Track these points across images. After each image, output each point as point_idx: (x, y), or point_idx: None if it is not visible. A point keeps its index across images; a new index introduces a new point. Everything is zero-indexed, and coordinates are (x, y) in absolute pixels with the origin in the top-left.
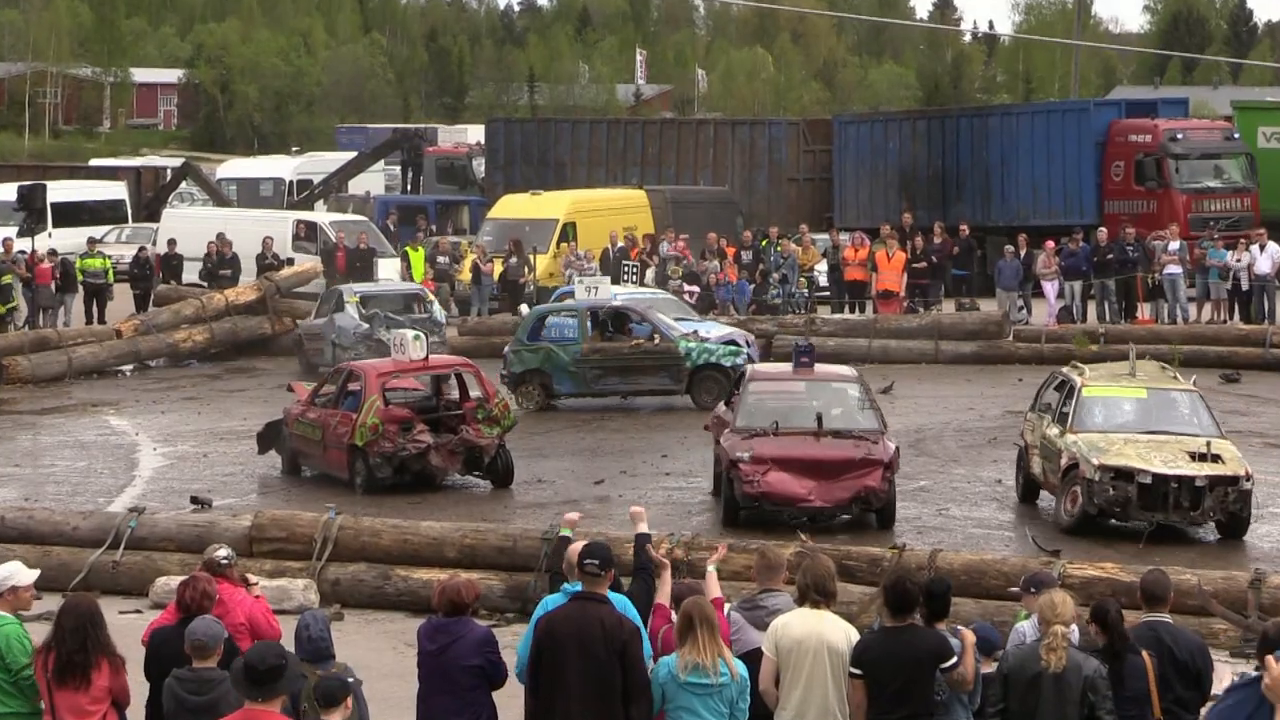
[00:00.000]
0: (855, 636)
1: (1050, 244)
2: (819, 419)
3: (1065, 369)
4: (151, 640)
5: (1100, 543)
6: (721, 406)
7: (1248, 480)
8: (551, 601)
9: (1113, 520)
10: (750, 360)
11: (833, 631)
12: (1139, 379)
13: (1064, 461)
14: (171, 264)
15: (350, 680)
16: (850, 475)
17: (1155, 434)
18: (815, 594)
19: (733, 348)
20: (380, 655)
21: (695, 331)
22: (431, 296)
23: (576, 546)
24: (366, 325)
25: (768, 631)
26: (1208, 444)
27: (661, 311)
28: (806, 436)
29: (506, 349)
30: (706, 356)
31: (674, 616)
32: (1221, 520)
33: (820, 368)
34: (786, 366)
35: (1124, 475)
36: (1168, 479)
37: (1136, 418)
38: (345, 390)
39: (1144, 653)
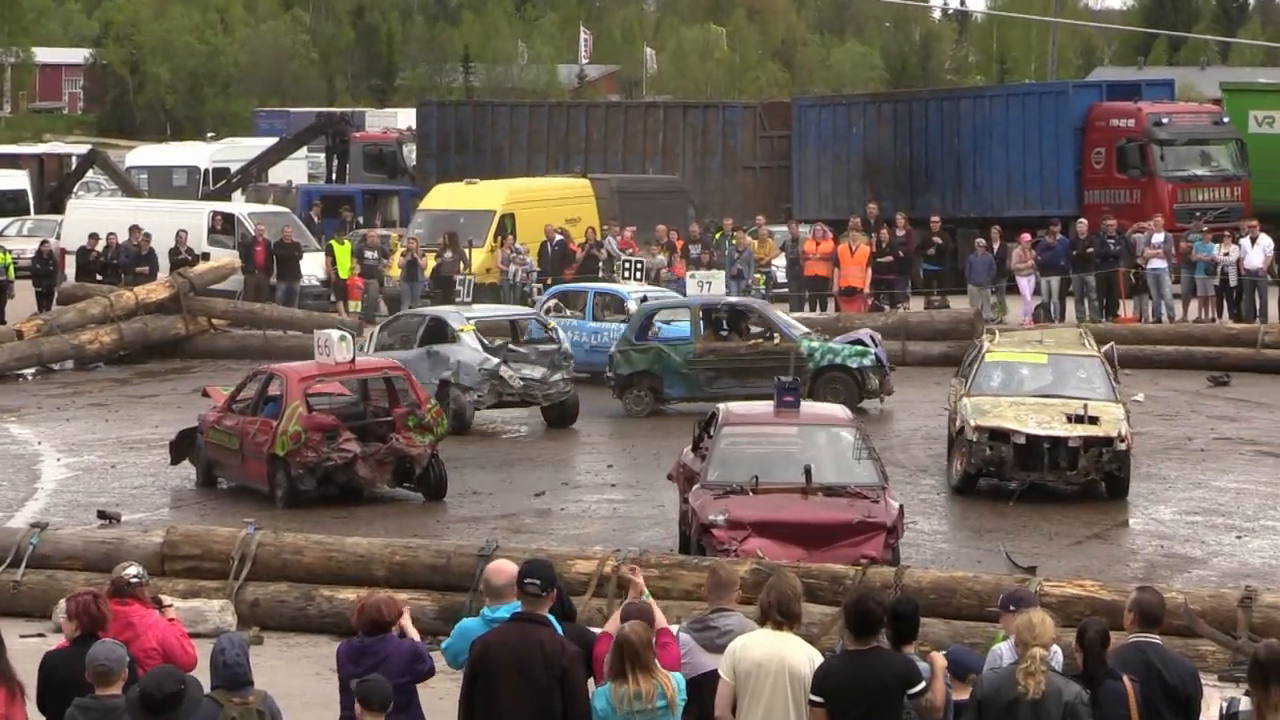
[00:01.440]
0: (818, 660)
1: (1026, 237)
2: (807, 472)
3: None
4: (43, 667)
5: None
6: (688, 452)
7: (1122, 442)
8: (470, 625)
9: (993, 479)
10: (879, 362)
11: (794, 655)
12: (1045, 345)
13: (957, 424)
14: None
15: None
16: (846, 543)
17: (1048, 398)
18: (778, 614)
19: (859, 348)
20: (303, 682)
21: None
22: (552, 323)
23: (498, 565)
24: (495, 359)
25: (725, 653)
26: (1085, 406)
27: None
28: (792, 494)
29: (613, 349)
30: (831, 357)
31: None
32: (1098, 480)
33: (807, 408)
34: (766, 406)
35: (1000, 436)
36: (1041, 439)
37: (1033, 382)
38: (265, 395)
39: (1125, 678)
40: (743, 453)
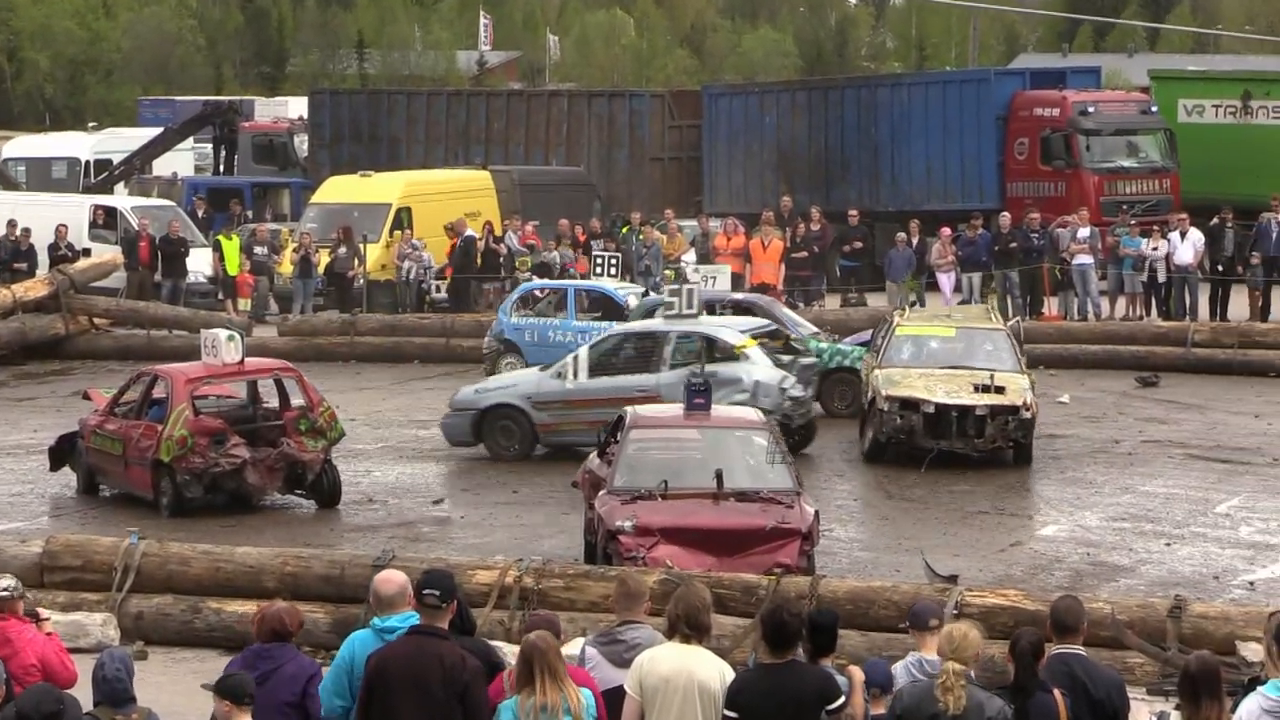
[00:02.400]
0: (730, 675)
1: (946, 231)
2: (719, 477)
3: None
4: None
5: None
6: (593, 458)
7: (1027, 410)
8: (359, 639)
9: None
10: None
11: (705, 669)
12: (953, 320)
13: (869, 395)
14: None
15: None
16: (759, 550)
17: (956, 369)
18: (686, 627)
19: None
20: (189, 698)
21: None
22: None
23: (386, 574)
24: (791, 377)
25: (631, 668)
26: (991, 376)
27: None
28: (703, 500)
29: None
30: (840, 359)
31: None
32: (1004, 447)
33: (719, 410)
34: (676, 409)
35: (909, 405)
36: (950, 408)
37: (942, 354)
38: (149, 398)
39: (1055, 690)
40: (651, 457)
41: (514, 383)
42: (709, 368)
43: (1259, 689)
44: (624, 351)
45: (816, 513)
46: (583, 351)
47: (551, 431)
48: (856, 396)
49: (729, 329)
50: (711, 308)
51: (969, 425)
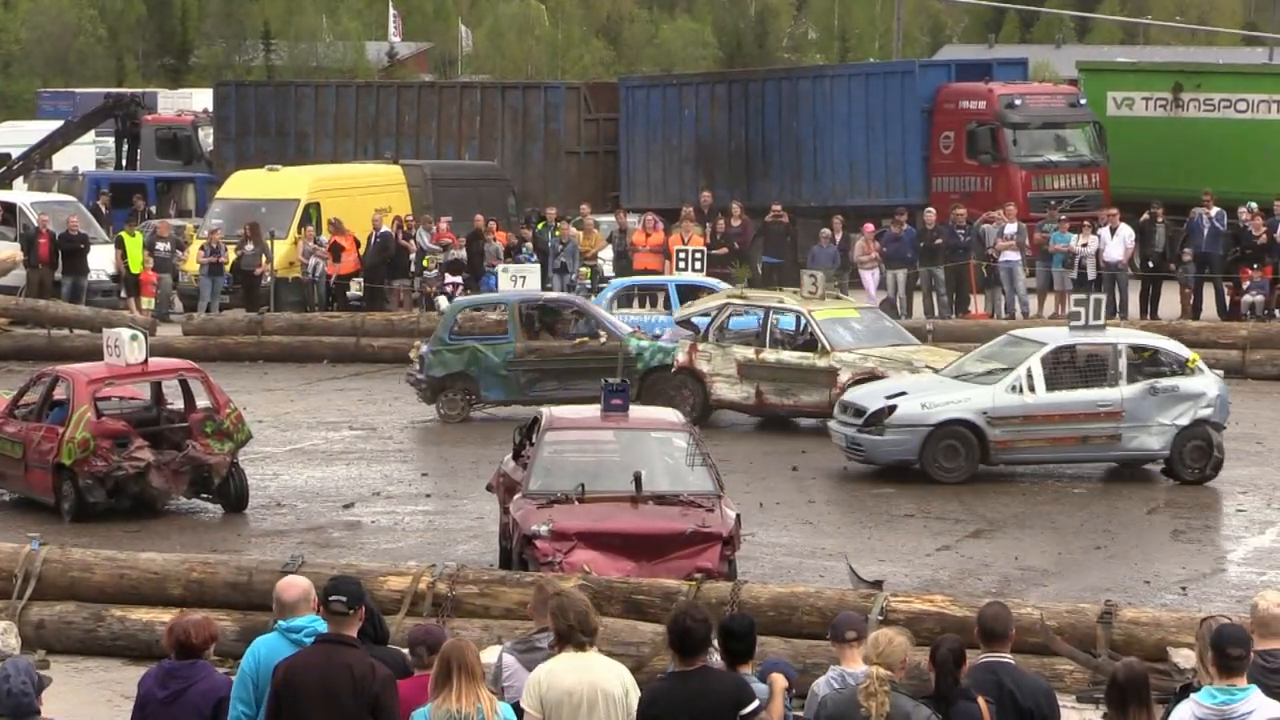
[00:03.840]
0: (630, 680)
1: (869, 227)
2: (637, 480)
3: (763, 298)
4: None
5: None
6: (508, 460)
7: None
8: (263, 644)
9: None
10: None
11: (606, 677)
12: (843, 301)
13: (844, 378)
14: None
15: None
16: (679, 554)
17: (895, 346)
18: (581, 634)
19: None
20: (93, 709)
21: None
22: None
23: (288, 580)
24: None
25: (528, 685)
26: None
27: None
28: (621, 503)
29: (424, 349)
30: (662, 357)
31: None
32: None
33: (637, 412)
34: (593, 410)
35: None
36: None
37: (869, 334)
38: (50, 400)
39: (980, 698)
40: (568, 460)
41: (965, 397)
42: (1166, 382)
43: (1192, 696)
44: (1074, 364)
45: (738, 516)
46: (1034, 363)
47: (1006, 449)
48: (689, 395)
49: (1169, 340)
50: (529, 306)
51: None
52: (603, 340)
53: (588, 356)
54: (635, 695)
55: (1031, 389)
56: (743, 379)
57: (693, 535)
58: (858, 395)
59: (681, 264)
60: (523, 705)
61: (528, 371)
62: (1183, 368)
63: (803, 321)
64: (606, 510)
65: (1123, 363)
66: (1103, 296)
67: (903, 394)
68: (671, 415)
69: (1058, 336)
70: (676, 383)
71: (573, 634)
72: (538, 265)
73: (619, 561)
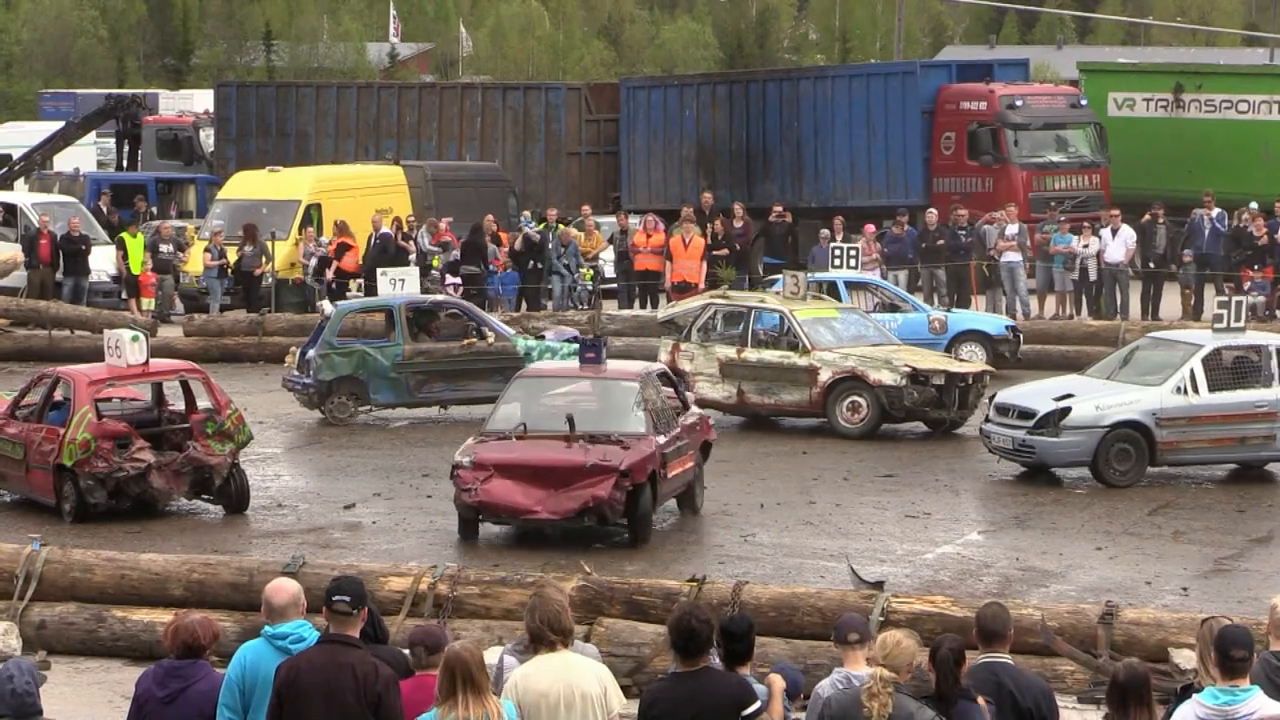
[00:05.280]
0: (609, 677)
1: (870, 228)
2: (570, 421)
3: (744, 298)
4: None
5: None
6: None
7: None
8: (250, 650)
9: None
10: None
11: (583, 677)
12: (824, 301)
13: (825, 377)
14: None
15: None
16: (579, 484)
17: (876, 345)
18: (551, 633)
19: (576, 346)
20: (94, 709)
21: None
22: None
23: (278, 583)
24: None
25: (505, 689)
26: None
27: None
28: (555, 441)
29: (312, 352)
30: (549, 356)
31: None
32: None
33: (613, 365)
34: (571, 364)
35: (919, 378)
36: (955, 377)
37: (849, 333)
38: (51, 401)
39: (980, 699)
40: (527, 405)
41: (1135, 399)
42: None
43: (1195, 696)
44: (1230, 365)
45: (657, 453)
46: (1196, 364)
47: (1172, 450)
48: None
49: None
50: (415, 309)
51: (970, 393)
52: (490, 341)
53: (475, 357)
54: (616, 694)
55: (1195, 390)
56: (724, 378)
57: (592, 468)
58: (1017, 397)
59: (837, 261)
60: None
61: (417, 374)
62: None
63: (785, 321)
64: (528, 446)
65: (1274, 364)
66: (1244, 299)
67: (1069, 395)
68: (635, 367)
69: (1207, 338)
70: None
71: (543, 634)
72: (417, 269)
73: (528, 489)
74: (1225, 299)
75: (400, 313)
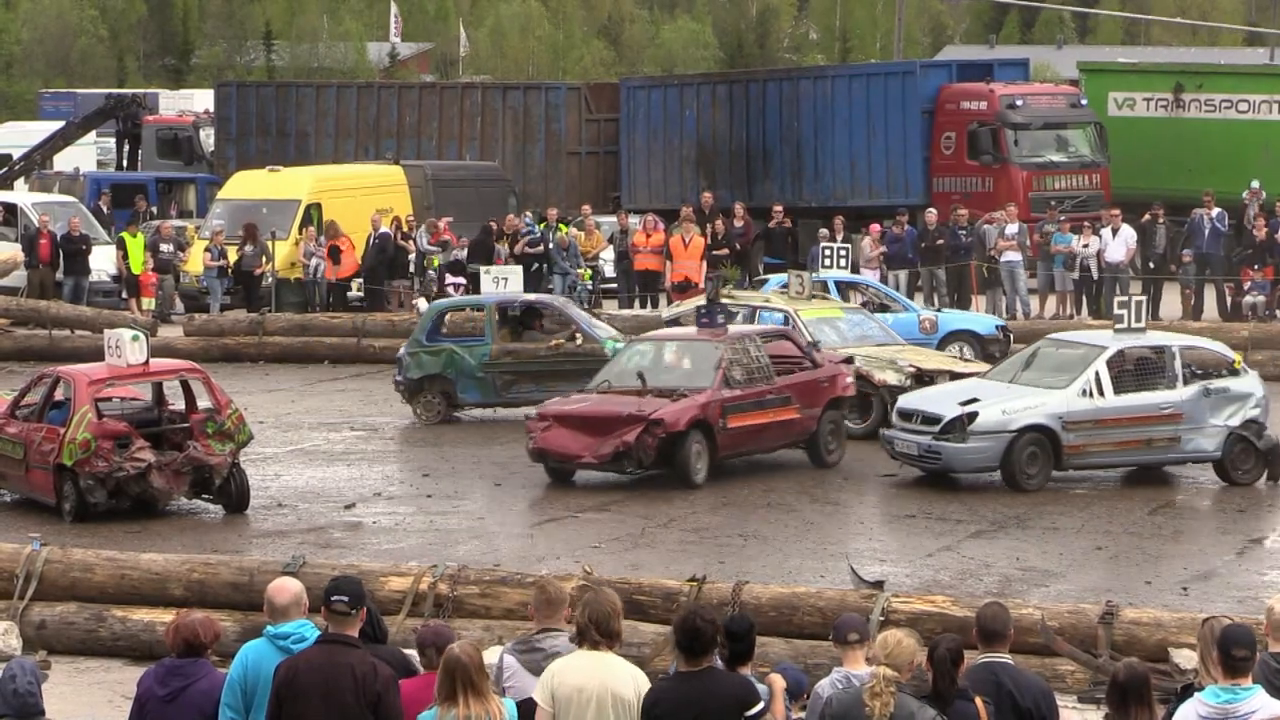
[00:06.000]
0: (645, 684)
1: (876, 228)
2: (640, 377)
3: (750, 298)
4: None
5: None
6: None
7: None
8: (251, 650)
9: None
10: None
11: (619, 678)
12: (829, 301)
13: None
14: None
15: None
16: (617, 432)
17: (881, 345)
18: (597, 633)
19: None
20: (94, 709)
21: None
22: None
23: (280, 583)
24: None
25: (541, 678)
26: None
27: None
28: (627, 395)
29: (402, 351)
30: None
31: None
32: None
33: (734, 330)
34: (690, 329)
35: (924, 378)
36: (960, 378)
37: (854, 333)
38: (51, 400)
39: (977, 699)
40: (626, 364)
41: (1040, 402)
42: (1218, 383)
43: (1197, 695)
44: (1134, 367)
45: (714, 404)
46: (1101, 365)
47: (1079, 453)
48: None
49: (1212, 341)
50: (504, 310)
51: None
52: (579, 342)
53: (564, 358)
54: None
55: (1100, 392)
56: None
57: (629, 417)
58: (921, 401)
59: (828, 261)
60: (535, 697)
61: (504, 374)
62: (1232, 370)
63: (790, 321)
64: (596, 400)
65: (1178, 364)
66: (1144, 298)
67: (974, 400)
68: (736, 331)
69: (1109, 339)
70: None
71: (589, 632)
72: (520, 267)
73: (581, 437)
74: (1125, 299)
75: (491, 311)
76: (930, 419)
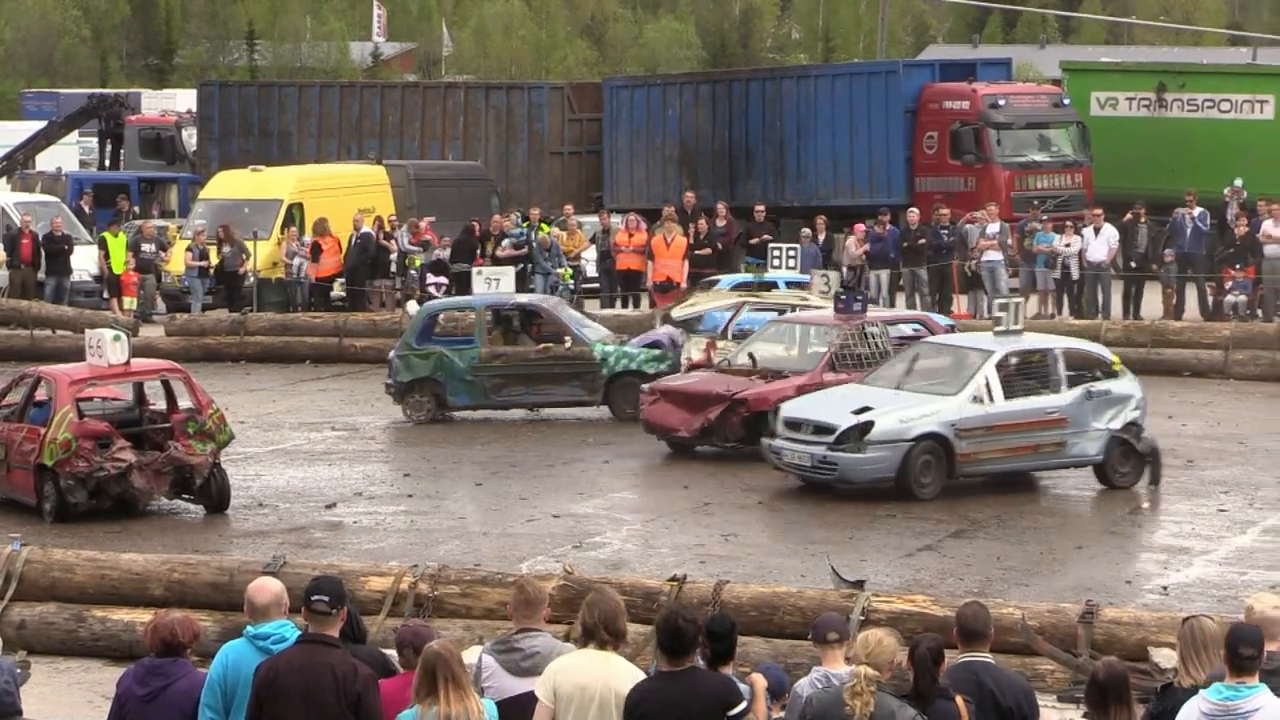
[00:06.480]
0: None
1: (860, 227)
2: (751, 357)
3: (783, 297)
4: None
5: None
6: None
7: None
8: (232, 650)
9: None
10: (675, 365)
11: (622, 678)
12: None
13: None
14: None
15: None
16: (707, 409)
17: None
18: (605, 633)
19: (656, 352)
20: (74, 709)
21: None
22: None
23: (260, 582)
24: None
25: (545, 674)
26: None
27: None
28: (738, 375)
29: (392, 353)
30: (626, 362)
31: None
32: None
33: (874, 313)
34: (825, 313)
35: None
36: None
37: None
38: (32, 400)
39: (958, 697)
40: (759, 344)
41: (934, 409)
42: (1100, 385)
43: (1201, 692)
44: (1021, 371)
45: (810, 386)
46: (990, 370)
47: (970, 461)
48: None
49: (1091, 343)
50: (496, 312)
51: None
52: (568, 345)
53: (553, 362)
54: None
55: (991, 398)
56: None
57: (717, 396)
58: (809, 410)
59: (776, 262)
60: (536, 693)
61: (493, 377)
62: (1111, 372)
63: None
64: (704, 378)
65: (1061, 367)
66: (1022, 300)
67: (867, 408)
68: (873, 315)
69: (993, 343)
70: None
71: (596, 631)
72: (512, 268)
73: (678, 412)
74: (1005, 301)
75: (481, 313)
76: (823, 428)
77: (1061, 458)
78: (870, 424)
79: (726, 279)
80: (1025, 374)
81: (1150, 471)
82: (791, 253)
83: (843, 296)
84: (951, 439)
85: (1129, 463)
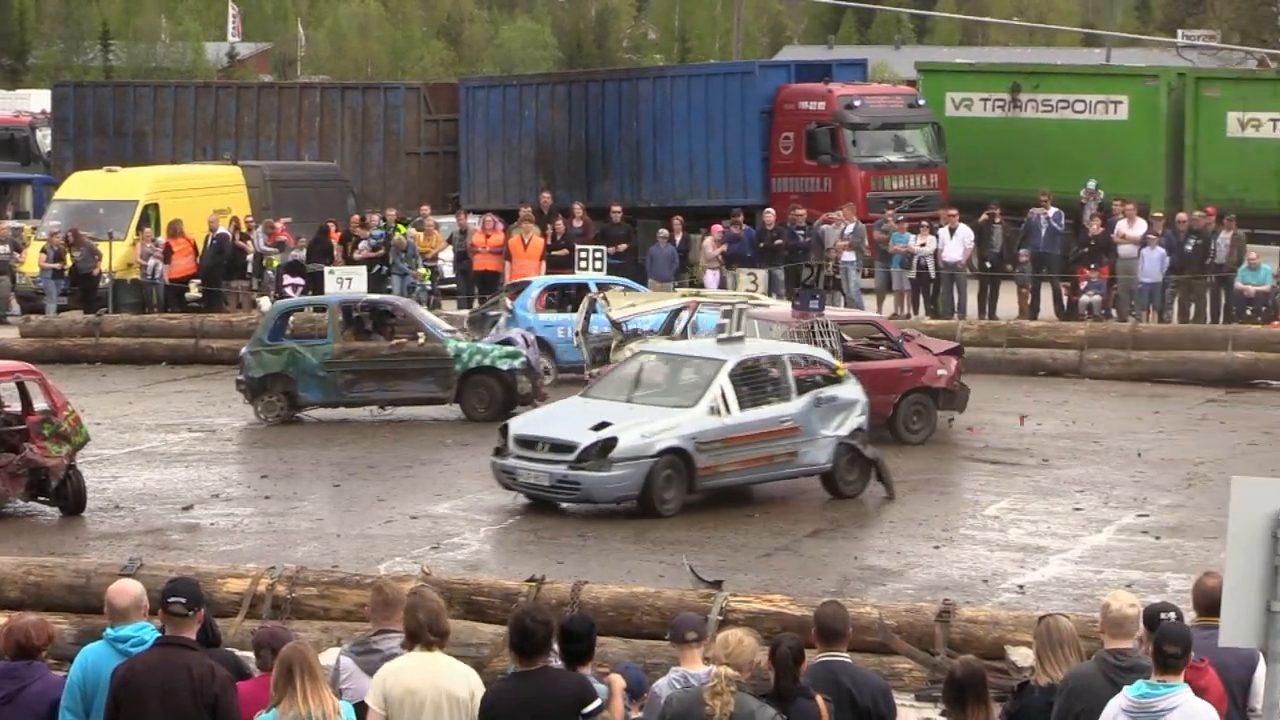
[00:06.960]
0: (478, 682)
1: (718, 228)
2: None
3: (729, 298)
4: None
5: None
6: None
7: None
8: (91, 653)
9: None
10: (528, 362)
11: (452, 679)
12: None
13: None
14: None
15: None
16: None
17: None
18: (431, 634)
19: (509, 349)
20: None
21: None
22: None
23: (120, 584)
24: None
25: (374, 681)
26: None
27: None
28: None
29: (244, 350)
30: (479, 359)
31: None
32: None
33: (832, 312)
34: (783, 309)
35: None
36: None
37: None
38: None
39: (819, 696)
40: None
41: (674, 423)
42: (828, 391)
43: (1124, 689)
44: (752, 380)
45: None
46: (725, 381)
47: (710, 474)
48: (497, 398)
49: (820, 350)
50: (348, 311)
51: None
52: (421, 341)
53: (406, 357)
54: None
55: (727, 409)
56: None
57: None
58: (543, 427)
59: (583, 263)
60: (367, 701)
61: (346, 373)
62: (837, 378)
63: None
64: None
65: (790, 374)
66: (746, 305)
67: (605, 424)
68: (821, 317)
69: (720, 350)
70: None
71: (421, 633)
72: (364, 268)
73: None
74: (729, 306)
75: (334, 311)
76: (562, 446)
77: (794, 467)
78: (613, 440)
79: (538, 280)
80: (757, 383)
81: (884, 486)
82: (598, 254)
83: (799, 296)
84: (692, 452)
85: (855, 470)
